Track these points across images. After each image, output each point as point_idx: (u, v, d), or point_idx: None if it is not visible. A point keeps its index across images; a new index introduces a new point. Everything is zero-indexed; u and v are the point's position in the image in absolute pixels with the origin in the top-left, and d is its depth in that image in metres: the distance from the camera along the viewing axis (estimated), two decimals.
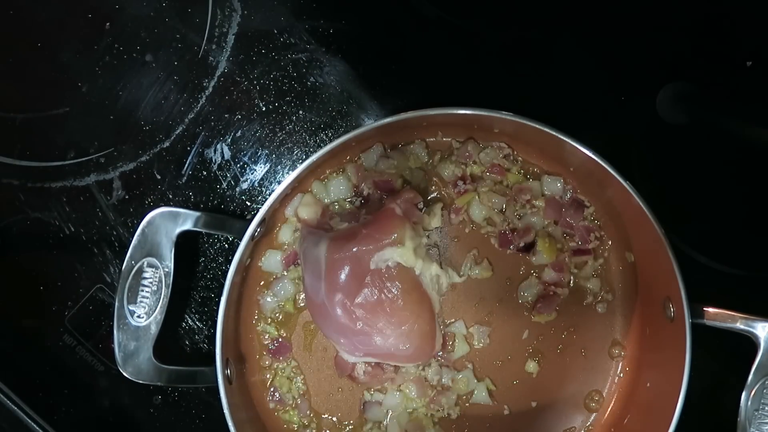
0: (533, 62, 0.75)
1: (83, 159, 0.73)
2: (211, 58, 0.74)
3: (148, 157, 0.73)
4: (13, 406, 0.71)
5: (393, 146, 0.71)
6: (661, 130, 0.75)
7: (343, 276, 0.63)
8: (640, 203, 0.61)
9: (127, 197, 0.73)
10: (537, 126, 0.62)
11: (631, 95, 0.75)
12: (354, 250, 0.63)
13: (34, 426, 0.72)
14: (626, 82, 0.75)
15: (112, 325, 0.62)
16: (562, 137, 0.61)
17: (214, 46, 0.73)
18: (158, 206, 0.72)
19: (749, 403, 0.60)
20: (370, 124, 0.62)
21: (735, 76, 0.75)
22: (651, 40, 0.75)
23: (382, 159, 0.70)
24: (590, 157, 0.62)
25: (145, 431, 0.74)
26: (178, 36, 0.73)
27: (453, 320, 0.71)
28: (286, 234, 0.70)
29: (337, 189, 0.70)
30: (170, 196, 0.74)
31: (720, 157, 0.75)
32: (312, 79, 0.74)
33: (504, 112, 0.62)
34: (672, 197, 0.73)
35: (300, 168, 0.61)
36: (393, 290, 0.64)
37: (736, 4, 0.75)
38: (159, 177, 0.73)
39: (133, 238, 0.62)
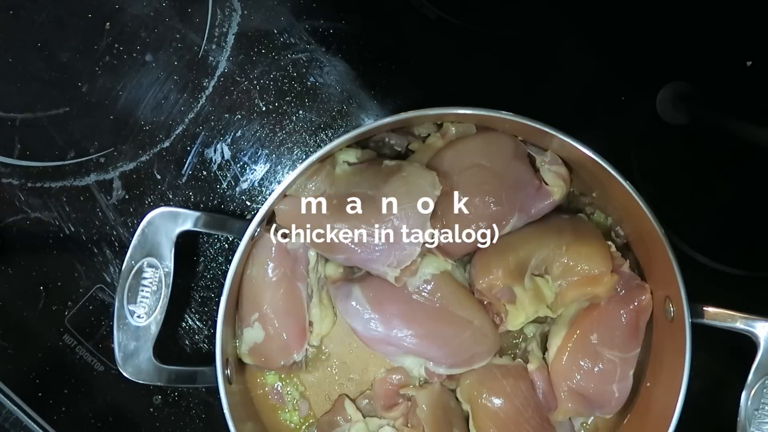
0: (533, 62, 0.75)
1: (83, 159, 0.73)
2: (211, 58, 0.74)
3: (148, 157, 0.73)
4: (13, 406, 0.72)
5: None
6: (661, 130, 0.75)
7: (390, 311, 0.64)
8: (641, 203, 0.61)
9: (127, 197, 0.73)
10: (537, 126, 0.62)
11: (631, 95, 0.75)
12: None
13: (34, 426, 0.72)
14: (626, 82, 0.75)
15: (112, 325, 0.62)
16: (562, 137, 0.61)
17: (214, 46, 0.74)
18: (158, 206, 0.72)
19: (749, 402, 0.60)
20: (370, 124, 0.62)
21: (735, 76, 0.75)
22: (651, 40, 0.75)
23: None
24: (590, 157, 0.62)
25: (145, 431, 0.74)
26: (178, 36, 0.73)
27: None
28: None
29: None
30: (170, 196, 0.74)
31: (720, 157, 0.75)
32: (312, 79, 0.74)
33: (504, 112, 0.62)
34: (672, 197, 0.73)
35: (300, 168, 0.61)
36: (437, 303, 0.64)
37: (736, 4, 0.75)
38: (159, 177, 0.73)
39: (133, 238, 0.62)
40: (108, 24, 0.73)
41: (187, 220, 0.62)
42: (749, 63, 0.75)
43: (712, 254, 0.74)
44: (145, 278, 0.62)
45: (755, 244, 0.75)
